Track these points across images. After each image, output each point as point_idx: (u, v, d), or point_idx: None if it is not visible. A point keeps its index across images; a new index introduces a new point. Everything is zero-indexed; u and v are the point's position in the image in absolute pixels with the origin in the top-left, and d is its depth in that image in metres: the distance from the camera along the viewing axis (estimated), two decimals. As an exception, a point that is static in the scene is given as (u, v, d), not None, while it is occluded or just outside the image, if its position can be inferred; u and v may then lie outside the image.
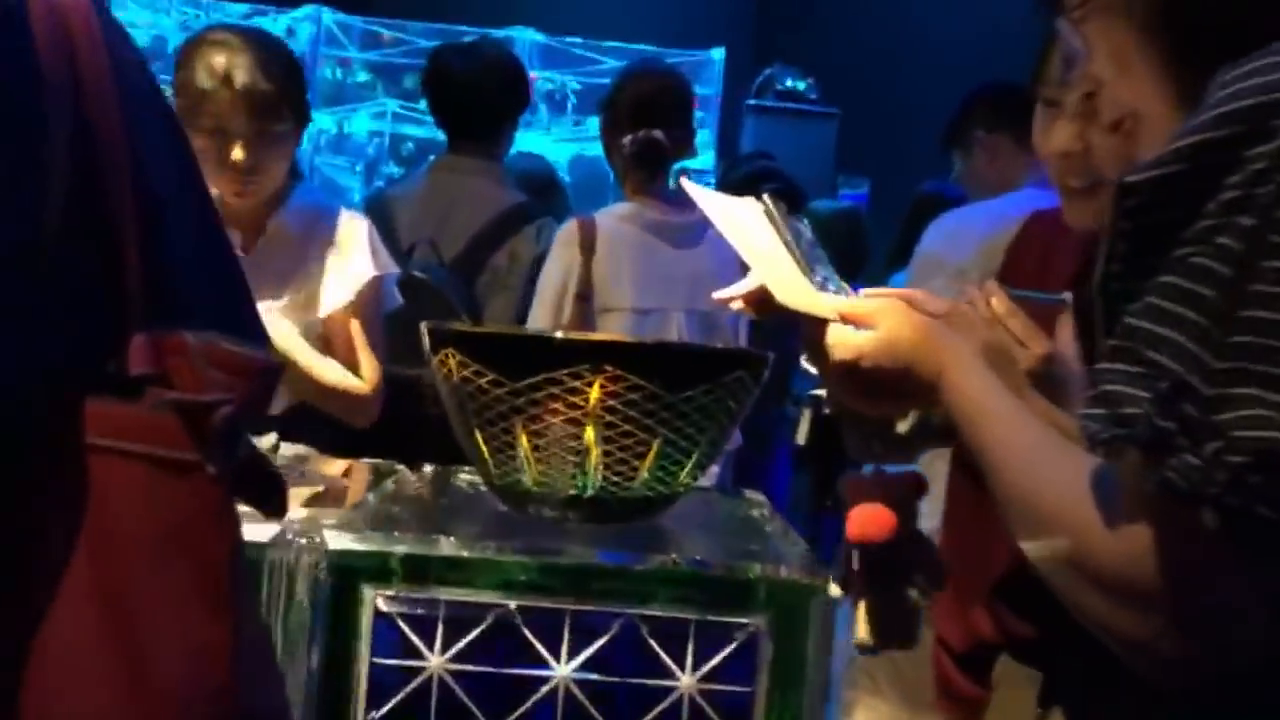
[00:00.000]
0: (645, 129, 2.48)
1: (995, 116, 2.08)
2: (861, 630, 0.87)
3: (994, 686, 1.12)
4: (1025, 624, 1.10)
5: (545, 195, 2.95)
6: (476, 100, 2.36)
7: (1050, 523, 0.68)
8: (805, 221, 0.94)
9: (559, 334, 0.94)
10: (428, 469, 1.28)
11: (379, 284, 1.75)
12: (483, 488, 1.06)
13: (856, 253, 3.03)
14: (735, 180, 2.79)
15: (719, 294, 1.09)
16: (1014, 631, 1.10)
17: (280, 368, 0.53)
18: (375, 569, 0.89)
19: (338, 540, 0.89)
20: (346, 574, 0.88)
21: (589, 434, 0.96)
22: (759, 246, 0.85)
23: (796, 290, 0.84)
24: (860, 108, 4.86)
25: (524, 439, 0.98)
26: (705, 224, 2.70)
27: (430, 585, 0.89)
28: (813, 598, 0.91)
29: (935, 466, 1.92)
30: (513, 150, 3.14)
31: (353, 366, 1.69)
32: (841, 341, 0.82)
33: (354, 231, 1.78)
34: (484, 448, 1.01)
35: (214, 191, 1.71)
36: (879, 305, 0.83)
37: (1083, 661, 0.98)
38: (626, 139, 2.49)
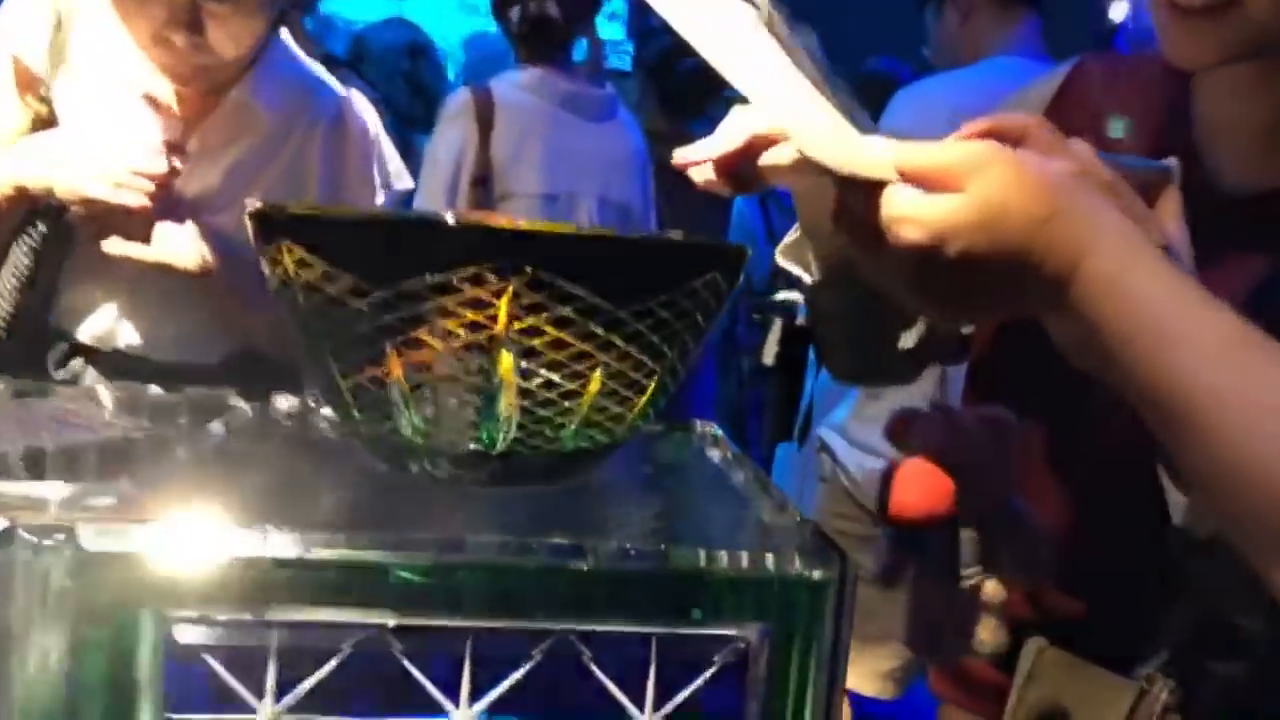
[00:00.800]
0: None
1: (973, -35, 1.78)
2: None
3: (1022, 674, 0.87)
4: (1073, 600, 0.85)
5: (415, 66, 2.55)
6: None
7: None
8: (812, 32, 0.62)
9: (449, 216, 0.62)
10: (283, 404, 0.95)
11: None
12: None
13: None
14: (654, 53, 2.44)
15: (684, 152, 0.78)
16: (1055, 609, 0.86)
17: None
18: (165, 581, 0.57)
19: (104, 536, 0.57)
20: (120, 590, 0.57)
21: (502, 365, 0.66)
22: (762, 73, 0.54)
23: (833, 138, 0.54)
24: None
25: (399, 373, 0.67)
26: (616, 98, 2.36)
27: (257, 601, 0.58)
28: (826, 599, 0.63)
29: (901, 392, 1.66)
30: (374, 17, 2.72)
31: None
32: (912, 214, 0.52)
33: (357, 130, 1.28)
34: (341, 384, 0.70)
35: (146, 64, 1.13)
36: (968, 153, 0.53)
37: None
38: (514, 9, 2.12)
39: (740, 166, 0.77)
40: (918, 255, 0.52)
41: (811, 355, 1.00)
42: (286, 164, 1.25)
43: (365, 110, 1.32)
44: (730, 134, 0.77)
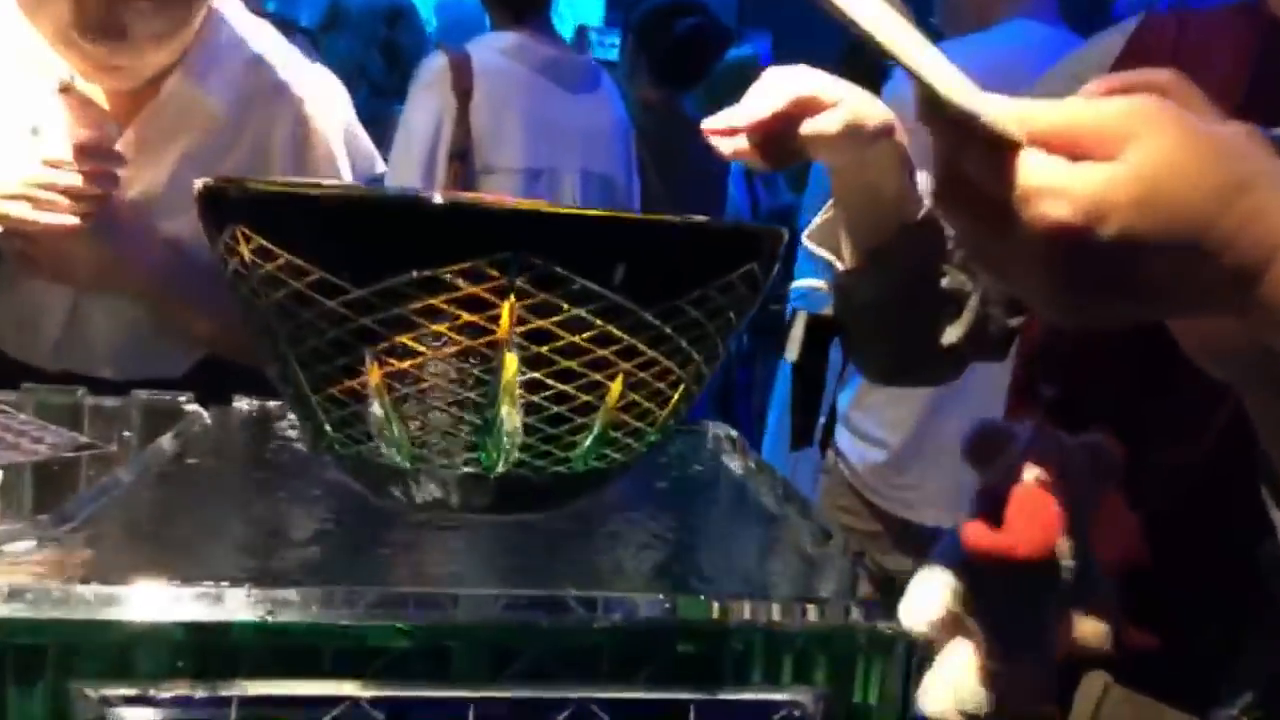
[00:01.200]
0: None
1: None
2: (954, 696, 0.50)
3: (1083, 714, 0.78)
4: (1141, 632, 0.75)
5: (393, 33, 2.40)
6: None
7: None
8: None
9: (437, 197, 0.51)
10: (244, 406, 0.84)
11: None
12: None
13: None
14: (648, 15, 2.31)
15: (718, 119, 0.67)
16: (1121, 642, 0.76)
17: None
18: (100, 651, 0.47)
19: (22, 597, 0.46)
20: (44, 664, 0.46)
21: (504, 375, 0.55)
22: (874, 13, 0.43)
23: (963, 87, 0.43)
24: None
25: (380, 384, 0.56)
26: (599, 66, 2.24)
27: (211, 673, 0.47)
28: (893, 655, 0.53)
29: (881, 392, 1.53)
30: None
31: None
32: (1057, 185, 0.40)
33: (327, 115, 1.09)
34: (312, 397, 0.59)
35: (66, 72, 0.91)
36: (1124, 109, 0.42)
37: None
38: None
39: (778, 136, 0.67)
40: (1059, 240, 0.41)
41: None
42: (244, 159, 1.06)
43: (334, 92, 1.14)
44: (770, 99, 0.66)
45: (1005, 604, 0.48)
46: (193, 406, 0.81)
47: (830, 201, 0.80)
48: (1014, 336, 0.84)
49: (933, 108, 0.42)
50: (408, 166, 1.89)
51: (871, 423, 1.74)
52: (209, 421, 0.79)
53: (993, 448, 0.50)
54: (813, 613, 0.53)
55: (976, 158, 0.42)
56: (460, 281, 0.52)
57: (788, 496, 0.72)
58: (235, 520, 0.58)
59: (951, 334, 0.80)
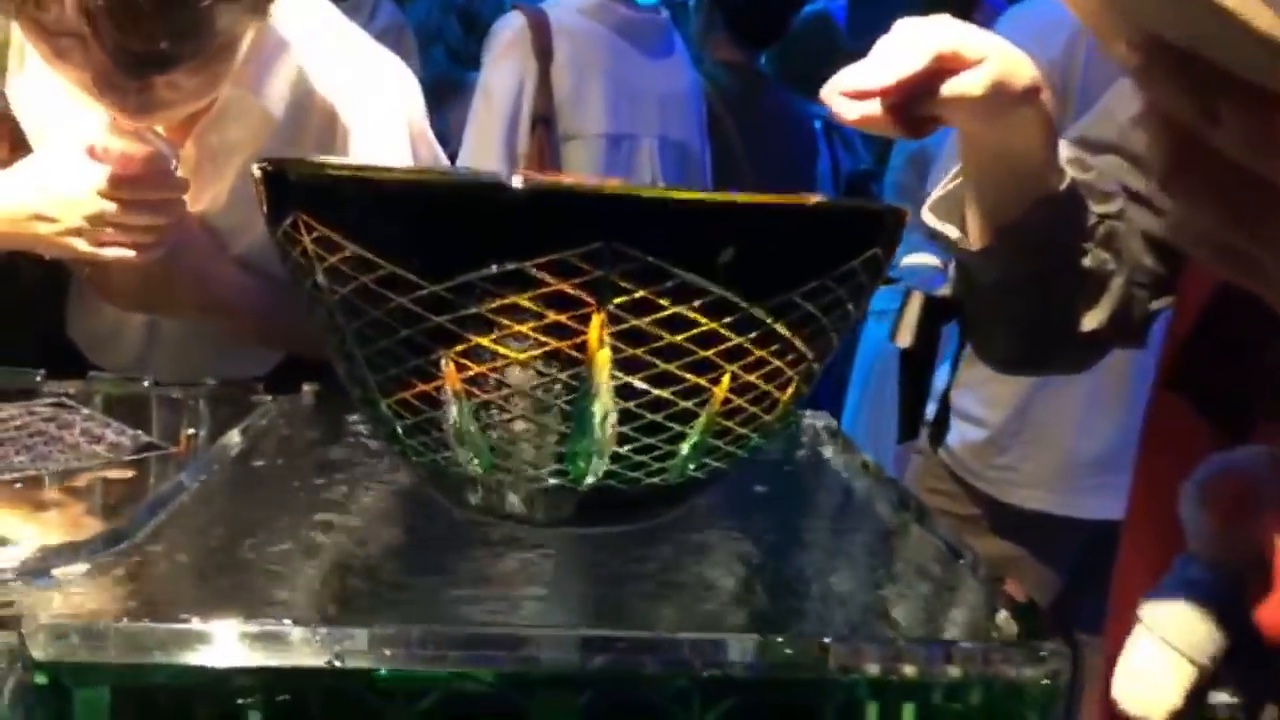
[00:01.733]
0: None
1: None
2: None
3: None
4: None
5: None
6: None
7: None
8: None
9: (518, 181, 0.44)
10: (308, 392, 0.80)
11: None
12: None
13: (838, 65, 2.50)
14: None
15: (841, 82, 0.59)
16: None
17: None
18: (151, 695, 0.42)
19: (68, 642, 0.41)
20: (93, 709, 0.42)
21: (596, 379, 0.49)
22: None
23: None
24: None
25: (457, 388, 0.50)
26: (673, 26, 2.14)
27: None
28: (1051, 710, 0.46)
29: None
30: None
31: None
32: None
33: (378, 142, 0.99)
34: (383, 401, 0.53)
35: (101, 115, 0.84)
36: None
37: None
38: None
39: (916, 97, 0.58)
40: None
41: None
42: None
43: (405, 89, 1.04)
44: (911, 55, 0.57)
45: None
46: (261, 397, 0.77)
47: (954, 170, 0.72)
48: (1153, 320, 0.76)
49: (1140, 56, 0.33)
50: (489, 135, 1.82)
51: (970, 400, 1.64)
52: (276, 414, 0.75)
53: (1240, 496, 0.41)
54: (939, 656, 0.47)
55: (1236, 120, 0.33)
56: (546, 276, 0.46)
57: (904, 503, 0.65)
58: (301, 541, 0.53)
59: (1092, 319, 0.71)
